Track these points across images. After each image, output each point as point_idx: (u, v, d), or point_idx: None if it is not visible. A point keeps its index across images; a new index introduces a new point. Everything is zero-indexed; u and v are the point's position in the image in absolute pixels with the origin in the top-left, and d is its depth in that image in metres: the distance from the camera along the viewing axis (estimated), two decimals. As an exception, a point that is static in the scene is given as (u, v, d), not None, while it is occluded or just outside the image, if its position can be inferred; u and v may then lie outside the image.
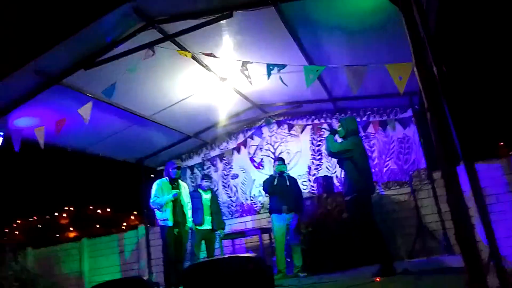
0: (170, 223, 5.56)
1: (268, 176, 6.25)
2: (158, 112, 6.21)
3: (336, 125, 5.63)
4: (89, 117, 4.57)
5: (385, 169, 7.05)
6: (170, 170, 5.85)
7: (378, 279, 4.02)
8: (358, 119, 7.23)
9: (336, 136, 4.76)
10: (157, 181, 5.83)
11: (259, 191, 7.53)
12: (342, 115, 7.35)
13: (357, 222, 4.51)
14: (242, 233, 6.63)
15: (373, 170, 6.68)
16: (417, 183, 6.67)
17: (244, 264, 2.93)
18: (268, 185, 6.02)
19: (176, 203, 5.69)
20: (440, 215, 6.24)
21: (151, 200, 5.71)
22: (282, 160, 6.23)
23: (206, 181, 6.52)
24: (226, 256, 4.61)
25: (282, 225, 5.81)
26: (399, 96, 5.68)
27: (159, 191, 5.71)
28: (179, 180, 5.96)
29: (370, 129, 7.20)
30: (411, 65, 2.94)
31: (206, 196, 6.39)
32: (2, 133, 5.16)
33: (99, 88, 4.77)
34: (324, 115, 7.56)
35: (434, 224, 6.35)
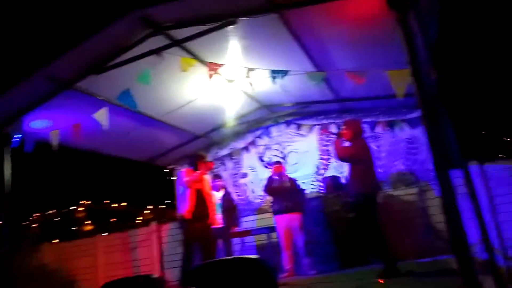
0: (190, 216, 5.19)
1: (267, 177, 6.36)
2: (168, 113, 6.36)
3: (342, 127, 5.67)
4: (107, 122, 4.74)
5: (392, 169, 7.06)
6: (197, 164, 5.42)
7: (381, 280, 4.07)
8: (366, 119, 7.25)
9: (343, 140, 4.79)
10: (186, 169, 5.48)
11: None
12: (350, 114, 7.38)
13: (362, 223, 4.57)
14: (249, 232, 6.76)
15: (380, 170, 6.74)
16: (425, 184, 6.67)
17: (246, 265, 3.04)
18: (267, 185, 6.18)
19: (200, 196, 5.33)
20: (447, 215, 6.23)
21: (186, 180, 5.28)
22: (279, 163, 6.36)
23: (217, 181, 6.63)
24: (229, 257, 4.73)
25: (285, 225, 5.95)
26: (406, 96, 5.72)
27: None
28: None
29: (378, 129, 7.21)
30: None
31: (218, 196, 6.52)
32: (20, 135, 5.38)
33: (111, 92, 4.94)
34: (332, 115, 7.60)
35: (441, 224, 6.35)
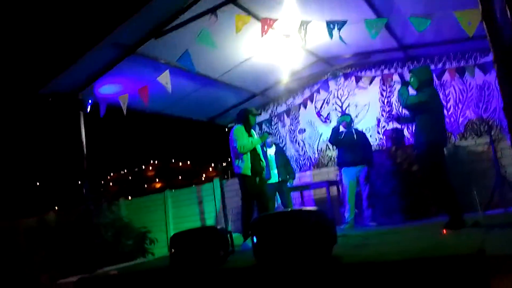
0: (249, 172, 5.23)
1: (334, 126, 6.29)
2: (225, 73, 6.44)
3: (407, 76, 5.39)
4: (170, 85, 4.93)
5: (461, 119, 6.69)
6: (249, 117, 5.40)
7: (445, 231, 4.01)
8: (433, 67, 6.82)
9: (409, 88, 4.57)
10: (237, 127, 5.36)
11: (326, 144, 7.66)
12: (415, 63, 6.99)
13: (427, 175, 4.43)
14: (308, 186, 6.90)
15: (447, 120, 6.41)
16: (498, 133, 6.25)
17: (306, 217, 3.14)
18: (333, 136, 6.14)
19: (253, 152, 5.33)
20: (522, 166, 5.86)
21: (241, 144, 5.18)
22: (347, 114, 6.41)
23: (269, 138, 6.67)
24: (288, 209, 4.88)
25: (352, 177, 5.98)
26: (479, 38, 5.26)
27: (243, 136, 5.29)
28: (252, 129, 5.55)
29: (446, 77, 6.78)
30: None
31: (270, 152, 6.64)
32: (90, 101, 5.79)
33: (171, 55, 5.09)
34: (394, 65, 7.24)
35: (514, 176, 5.99)
